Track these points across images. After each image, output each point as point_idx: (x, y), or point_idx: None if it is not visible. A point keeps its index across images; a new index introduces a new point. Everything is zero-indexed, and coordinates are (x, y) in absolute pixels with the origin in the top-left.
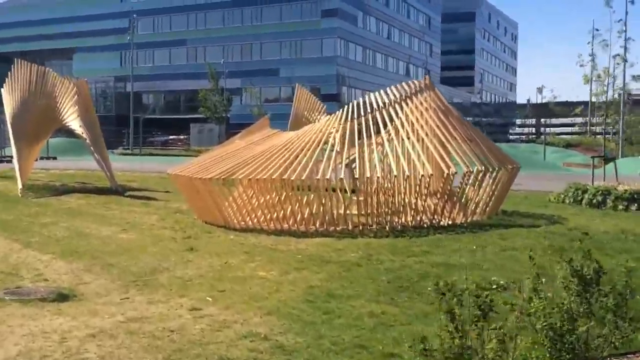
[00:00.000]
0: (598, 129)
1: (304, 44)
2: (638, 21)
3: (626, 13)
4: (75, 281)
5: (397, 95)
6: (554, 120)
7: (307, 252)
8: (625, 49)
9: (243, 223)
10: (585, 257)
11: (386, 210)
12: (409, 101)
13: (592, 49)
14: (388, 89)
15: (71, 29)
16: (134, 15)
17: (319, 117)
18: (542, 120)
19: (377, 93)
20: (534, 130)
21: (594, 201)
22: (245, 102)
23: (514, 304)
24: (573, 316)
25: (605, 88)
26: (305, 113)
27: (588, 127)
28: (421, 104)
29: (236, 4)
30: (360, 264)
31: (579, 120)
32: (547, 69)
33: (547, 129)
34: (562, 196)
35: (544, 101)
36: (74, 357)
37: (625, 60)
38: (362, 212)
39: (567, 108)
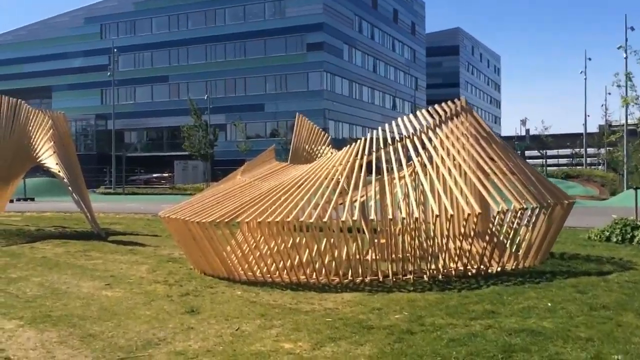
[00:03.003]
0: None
1: (289, 78)
2: None
3: None
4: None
5: (430, 121)
6: (549, 152)
7: (338, 313)
8: None
9: (250, 274)
10: None
11: (420, 254)
12: (443, 127)
13: (586, 79)
14: (419, 112)
15: (50, 67)
16: (115, 51)
17: (323, 149)
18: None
19: (404, 119)
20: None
21: None
22: (230, 138)
23: None
24: None
25: None
26: (306, 147)
27: (585, 159)
28: (457, 128)
29: (219, 39)
30: (412, 330)
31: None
32: (529, 102)
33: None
34: (607, 233)
35: (533, 133)
36: None
37: None
38: (387, 258)
39: (560, 140)
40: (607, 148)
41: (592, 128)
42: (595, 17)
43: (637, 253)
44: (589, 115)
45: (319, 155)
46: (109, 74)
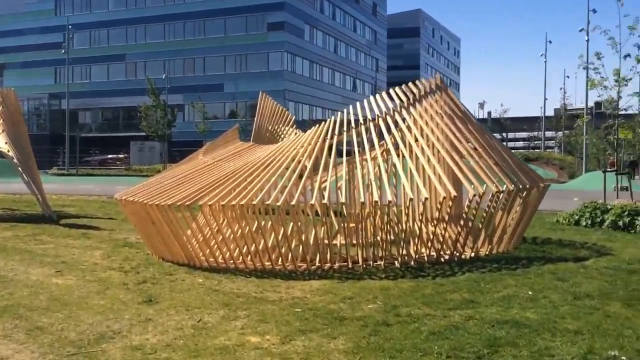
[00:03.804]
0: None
1: (250, 58)
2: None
3: None
4: None
5: (404, 100)
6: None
7: (307, 302)
8: None
9: (212, 260)
10: None
11: (391, 239)
12: (417, 105)
13: (546, 62)
14: (392, 91)
15: (2, 44)
16: (70, 29)
17: (287, 129)
18: (504, 134)
19: (376, 97)
20: None
21: (620, 223)
22: (188, 119)
23: None
24: None
25: (618, 93)
26: (269, 127)
27: (543, 142)
28: (431, 106)
29: (178, 18)
30: (388, 321)
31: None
32: (488, 85)
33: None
34: (576, 217)
35: (493, 117)
36: None
37: None
38: (356, 243)
39: (517, 123)
40: (565, 131)
41: (550, 111)
42: (556, 1)
43: (609, 237)
44: (547, 99)
45: (283, 136)
46: (63, 51)
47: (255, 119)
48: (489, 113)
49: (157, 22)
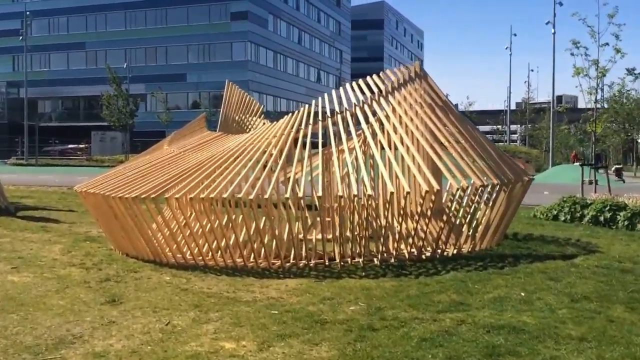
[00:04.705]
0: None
1: (213, 47)
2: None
3: None
4: None
5: (382, 88)
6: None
7: (284, 304)
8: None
9: (179, 256)
10: None
11: (369, 235)
12: (395, 94)
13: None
14: (369, 78)
15: None
16: (28, 15)
17: (254, 120)
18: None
19: (352, 85)
20: None
21: (601, 218)
22: (150, 109)
23: None
24: None
25: (597, 83)
26: (236, 117)
27: (508, 135)
28: (410, 95)
29: (139, 5)
30: (373, 326)
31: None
32: (451, 78)
33: None
34: (554, 211)
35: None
36: None
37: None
38: (332, 239)
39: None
40: (528, 125)
41: (512, 105)
42: None
43: (591, 233)
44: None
45: (251, 126)
46: (20, 38)
47: (222, 108)
48: (456, 106)
49: (118, 9)
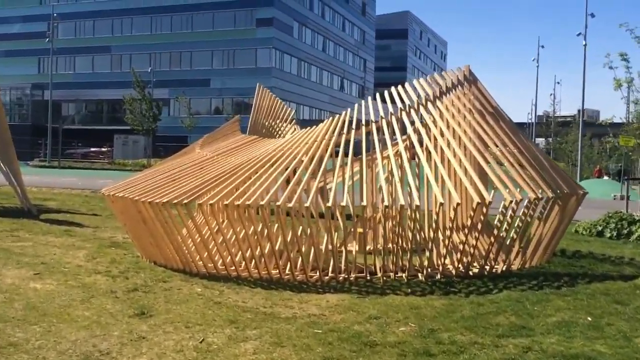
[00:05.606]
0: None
1: (237, 53)
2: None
3: None
4: None
5: (429, 93)
6: None
7: (327, 321)
8: None
9: (211, 265)
10: None
11: (411, 249)
12: (443, 99)
13: (538, 67)
14: (415, 82)
15: None
16: (55, 17)
17: (285, 126)
18: None
19: (398, 88)
20: None
21: None
22: (173, 114)
23: None
24: None
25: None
26: (266, 122)
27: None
28: (459, 100)
29: (165, 10)
30: (429, 350)
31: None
32: None
33: None
34: (599, 227)
35: None
36: None
37: None
38: (374, 252)
39: None
40: (555, 138)
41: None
42: (545, 8)
43: None
44: (534, 105)
45: (281, 132)
46: (47, 40)
47: (252, 112)
48: None
49: (144, 14)
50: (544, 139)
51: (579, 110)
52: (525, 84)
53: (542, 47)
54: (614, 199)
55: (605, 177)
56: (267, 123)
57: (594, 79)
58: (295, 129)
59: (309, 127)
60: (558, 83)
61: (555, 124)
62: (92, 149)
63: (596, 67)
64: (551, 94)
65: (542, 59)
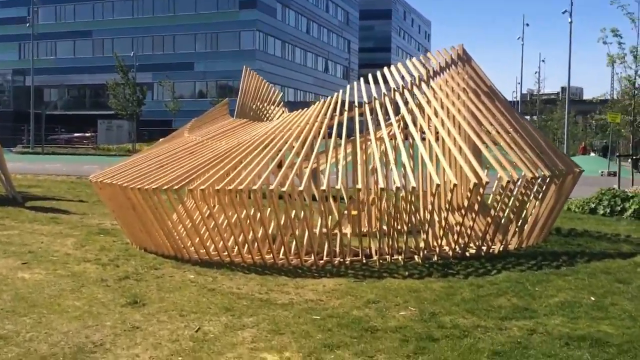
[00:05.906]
0: None
1: (221, 36)
2: None
3: None
4: None
5: (423, 72)
6: None
7: (325, 307)
8: None
9: (202, 251)
10: None
11: (407, 230)
12: (437, 78)
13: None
14: (408, 62)
15: None
16: (34, 2)
17: (273, 108)
18: None
19: (391, 68)
20: None
21: None
22: (157, 98)
23: None
24: None
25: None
26: (253, 105)
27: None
28: (452, 79)
29: None
30: (432, 335)
31: None
32: None
33: None
34: (592, 205)
35: None
36: None
37: None
38: (369, 234)
39: None
40: (540, 115)
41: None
42: None
43: (637, 228)
44: (519, 83)
45: (269, 115)
46: (27, 25)
47: (239, 95)
48: None
49: None
50: (529, 116)
51: (562, 88)
52: (510, 63)
53: (527, 25)
54: (602, 175)
55: (593, 154)
56: (254, 106)
57: (578, 57)
58: (283, 111)
59: (300, 109)
60: (543, 61)
61: (540, 101)
62: (76, 135)
63: (581, 46)
64: (536, 72)
65: (527, 38)
